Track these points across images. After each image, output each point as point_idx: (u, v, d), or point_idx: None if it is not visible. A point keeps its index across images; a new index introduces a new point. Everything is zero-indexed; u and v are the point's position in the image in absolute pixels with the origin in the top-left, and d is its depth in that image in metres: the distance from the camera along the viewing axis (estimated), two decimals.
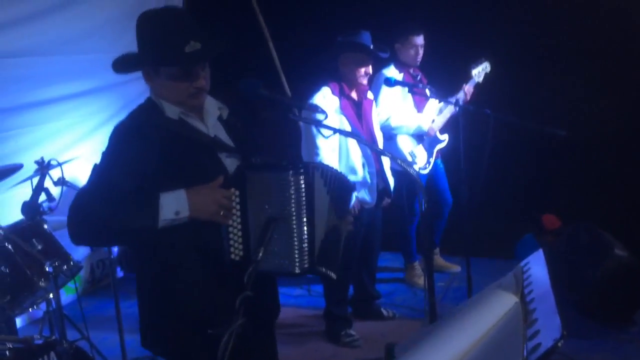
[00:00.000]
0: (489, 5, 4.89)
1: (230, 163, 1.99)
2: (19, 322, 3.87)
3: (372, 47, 3.64)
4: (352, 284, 4.18)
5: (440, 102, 4.36)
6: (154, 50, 1.91)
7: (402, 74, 4.39)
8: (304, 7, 5.21)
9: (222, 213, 1.86)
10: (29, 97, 4.18)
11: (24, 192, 3.45)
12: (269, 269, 1.86)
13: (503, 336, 1.21)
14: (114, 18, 4.63)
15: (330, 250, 1.98)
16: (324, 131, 2.12)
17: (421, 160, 4.48)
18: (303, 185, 1.85)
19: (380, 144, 3.92)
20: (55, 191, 3.46)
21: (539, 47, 4.84)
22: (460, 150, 3.39)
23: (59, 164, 3.43)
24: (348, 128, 3.63)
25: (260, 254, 1.77)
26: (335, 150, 3.64)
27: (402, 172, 3.74)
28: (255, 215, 1.86)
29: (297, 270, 1.85)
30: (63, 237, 2.76)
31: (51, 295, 3.19)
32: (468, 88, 4.33)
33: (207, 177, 1.89)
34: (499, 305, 1.30)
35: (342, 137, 3.62)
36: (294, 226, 1.83)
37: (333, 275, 1.99)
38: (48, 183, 3.41)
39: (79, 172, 4.12)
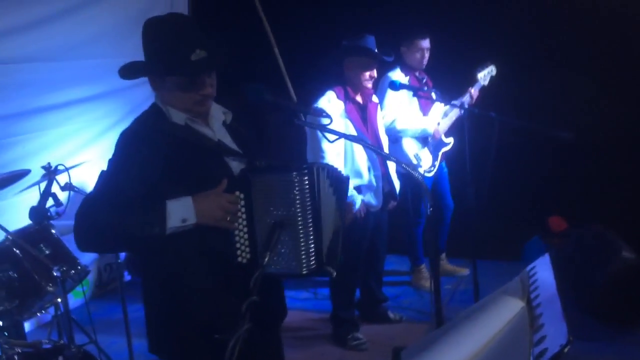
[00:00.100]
0: (494, 8, 4.89)
1: (237, 167, 2.00)
2: (27, 326, 3.89)
3: (376, 50, 3.64)
4: (359, 287, 4.18)
5: (445, 105, 4.36)
6: (161, 59, 1.91)
7: (408, 77, 4.40)
8: (309, 12, 5.22)
9: (228, 218, 1.87)
10: (35, 102, 4.20)
11: (32, 197, 3.47)
12: (276, 271, 1.86)
13: (509, 341, 1.21)
14: (119, 23, 4.66)
15: (334, 249, 2.00)
16: (329, 135, 2.12)
17: (426, 163, 4.49)
18: (307, 186, 1.86)
19: (386, 147, 3.92)
20: (63, 196, 3.48)
21: (544, 50, 4.83)
22: (465, 153, 3.39)
23: (66, 169, 3.45)
24: (353, 132, 3.63)
25: (266, 259, 1.78)
26: (340, 154, 3.65)
27: (408, 174, 3.74)
28: (261, 218, 1.87)
29: (305, 271, 1.86)
30: (71, 242, 2.75)
31: (59, 300, 3.21)
32: (474, 91, 4.33)
33: (215, 181, 1.90)
34: (505, 310, 1.30)
35: (348, 141, 3.63)
36: (300, 227, 1.84)
37: (334, 273, 1.99)
38: (55, 188, 3.43)
39: (86, 177, 4.13)
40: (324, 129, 2.05)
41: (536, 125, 3.53)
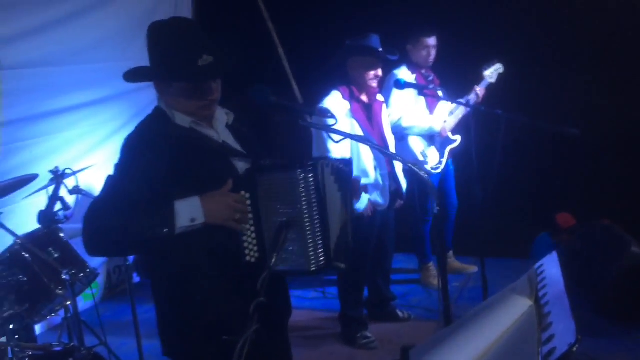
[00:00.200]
0: (501, 5, 4.87)
1: (242, 168, 2.01)
2: (38, 328, 3.92)
3: (381, 49, 3.64)
4: (367, 286, 4.18)
5: (451, 103, 4.35)
6: (167, 65, 1.92)
7: (414, 75, 4.39)
8: (313, 12, 5.21)
9: (236, 217, 1.87)
10: (42, 107, 4.22)
11: (40, 202, 3.49)
12: (285, 269, 1.87)
13: (517, 340, 1.21)
14: (124, 26, 4.68)
15: (343, 244, 1.99)
16: (335, 136, 2.12)
17: (433, 161, 4.48)
18: (312, 183, 1.86)
19: (392, 146, 3.92)
20: (71, 200, 3.50)
21: (551, 47, 4.81)
22: (472, 150, 3.39)
23: (74, 173, 3.47)
24: (359, 132, 3.63)
25: (274, 260, 1.78)
26: (346, 154, 3.64)
27: (414, 172, 3.74)
28: (268, 217, 1.88)
29: (313, 268, 1.86)
30: (79, 245, 2.77)
31: (69, 303, 3.23)
32: (480, 89, 4.32)
33: (221, 182, 1.91)
34: (513, 309, 1.30)
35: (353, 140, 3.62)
36: (307, 224, 1.84)
37: (343, 267, 1.99)
38: (63, 192, 3.45)
39: (94, 180, 4.15)
40: (330, 129, 2.05)
41: (543, 122, 3.52)
